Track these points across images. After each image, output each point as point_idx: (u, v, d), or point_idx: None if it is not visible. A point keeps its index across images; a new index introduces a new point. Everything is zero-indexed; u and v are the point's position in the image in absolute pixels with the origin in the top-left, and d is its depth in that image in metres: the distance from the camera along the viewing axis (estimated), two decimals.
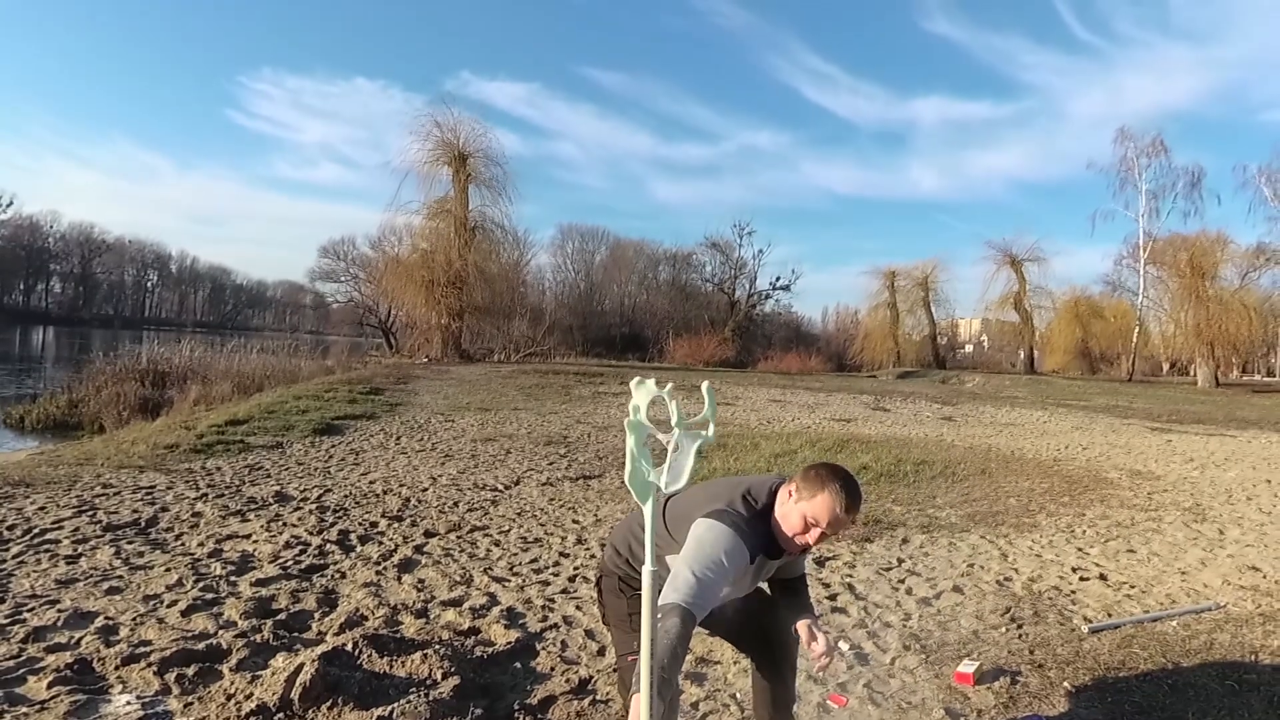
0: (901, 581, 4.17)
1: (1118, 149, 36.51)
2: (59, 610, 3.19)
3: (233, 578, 3.76)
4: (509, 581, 3.93)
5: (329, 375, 17.63)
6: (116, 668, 2.71)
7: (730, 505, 1.87)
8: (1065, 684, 2.88)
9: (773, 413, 13.74)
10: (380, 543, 4.54)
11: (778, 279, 50.38)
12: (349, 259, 48.01)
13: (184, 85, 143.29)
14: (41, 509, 4.88)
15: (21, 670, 2.66)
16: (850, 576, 4.21)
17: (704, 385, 1.64)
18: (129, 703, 2.49)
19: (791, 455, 8.13)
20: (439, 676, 2.70)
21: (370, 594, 3.63)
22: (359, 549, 4.39)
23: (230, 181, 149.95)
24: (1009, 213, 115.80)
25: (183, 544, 4.31)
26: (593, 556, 4.34)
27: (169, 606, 3.33)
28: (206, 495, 5.53)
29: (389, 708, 2.44)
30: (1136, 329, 36.41)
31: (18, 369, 24.78)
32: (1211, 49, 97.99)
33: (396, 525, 4.96)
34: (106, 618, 3.16)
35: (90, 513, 4.85)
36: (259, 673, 2.72)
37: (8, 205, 74.19)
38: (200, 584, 3.63)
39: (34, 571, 3.70)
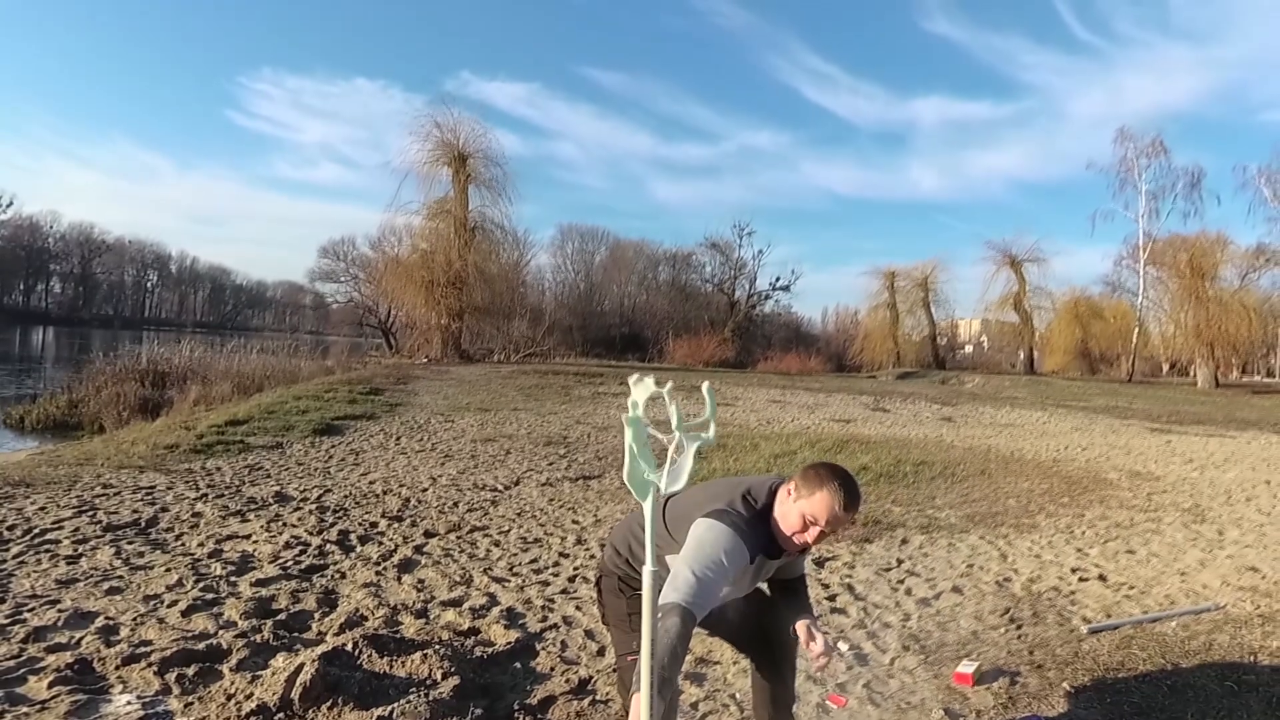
0: (901, 582, 4.17)
1: (1117, 149, 36.49)
2: (59, 610, 3.20)
3: (233, 578, 3.76)
4: (509, 582, 3.94)
5: (329, 375, 17.62)
6: (117, 668, 2.72)
7: (730, 505, 1.87)
8: (1064, 684, 2.89)
9: (772, 413, 13.74)
10: (380, 543, 4.54)
11: (777, 279, 50.41)
12: (349, 259, 48.10)
13: (184, 85, 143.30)
14: (42, 509, 4.89)
15: (22, 670, 2.66)
16: (850, 577, 4.22)
17: (704, 386, 1.64)
18: (129, 703, 2.49)
19: (791, 456, 8.13)
20: (439, 676, 2.70)
21: (370, 594, 3.64)
22: (359, 549, 4.40)
23: (230, 181, 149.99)
24: (1009, 213, 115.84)
25: (183, 544, 4.32)
26: (592, 557, 4.35)
27: (169, 606, 3.33)
28: (206, 495, 5.53)
29: (389, 708, 2.45)
30: (1136, 330, 36.39)
31: (18, 369, 24.77)
32: (1211, 49, 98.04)
33: (396, 525, 4.96)
34: (107, 618, 3.17)
35: (90, 513, 4.86)
36: (259, 673, 2.72)
37: (8, 205, 74.26)
38: (200, 584, 3.64)
39: (34, 571, 3.70)
